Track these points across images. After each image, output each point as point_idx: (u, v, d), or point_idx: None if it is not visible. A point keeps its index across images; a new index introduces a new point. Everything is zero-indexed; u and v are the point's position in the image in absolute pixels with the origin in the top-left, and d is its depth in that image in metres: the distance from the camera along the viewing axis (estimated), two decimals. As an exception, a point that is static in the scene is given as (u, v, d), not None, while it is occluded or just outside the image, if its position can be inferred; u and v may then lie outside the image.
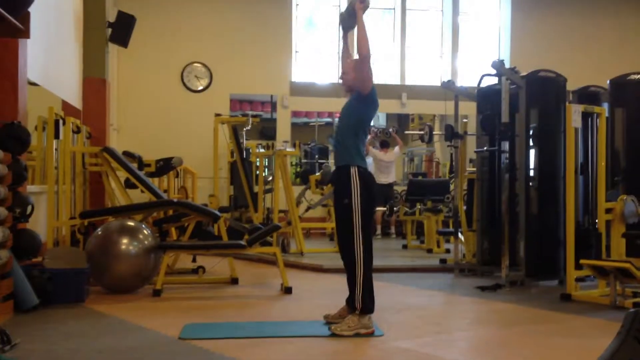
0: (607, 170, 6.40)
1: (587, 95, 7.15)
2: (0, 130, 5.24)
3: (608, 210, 5.86)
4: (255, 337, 4.30)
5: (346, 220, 4.46)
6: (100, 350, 3.95)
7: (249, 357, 3.77)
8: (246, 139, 10.73)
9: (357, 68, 4.59)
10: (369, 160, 11.95)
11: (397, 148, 11.67)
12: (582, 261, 5.67)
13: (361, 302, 4.40)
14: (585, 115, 6.28)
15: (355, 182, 4.45)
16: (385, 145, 11.63)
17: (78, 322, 4.75)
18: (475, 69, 13.07)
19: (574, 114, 5.89)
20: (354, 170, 4.47)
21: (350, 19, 4.73)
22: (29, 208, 5.32)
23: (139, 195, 7.41)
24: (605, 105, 6.83)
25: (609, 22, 13.93)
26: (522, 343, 4.31)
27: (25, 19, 4.79)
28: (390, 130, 11.97)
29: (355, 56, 4.67)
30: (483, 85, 7.35)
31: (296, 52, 13.23)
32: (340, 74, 4.80)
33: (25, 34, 4.96)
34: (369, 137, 11.79)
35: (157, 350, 3.98)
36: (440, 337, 4.47)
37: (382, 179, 11.25)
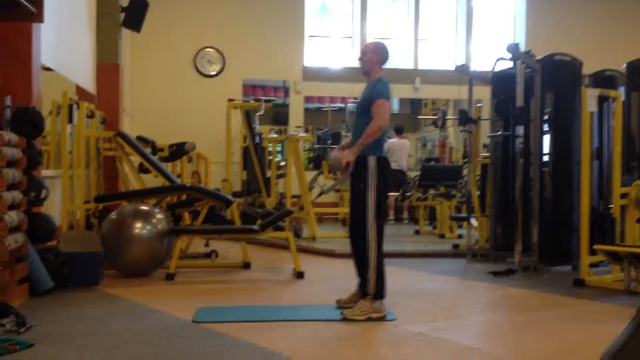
0: (623, 155, 6.33)
1: (603, 79, 7.07)
2: (15, 114, 5.27)
3: (623, 196, 5.81)
4: (268, 321, 4.32)
5: (361, 206, 4.47)
6: (115, 333, 3.98)
7: (262, 340, 3.79)
8: (259, 124, 10.73)
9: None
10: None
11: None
12: (596, 246, 5.64)
13: (375, 287, 4.40)
14: (601, 100, 6.21)
15: (373, 170, 4.46)
16: (399, 131, 11.59)
17: (92, 305, 4.80)
18: (490, 54, 12.98)
19: (590, 98, 5.83)
20: (372, 160, 4.47)
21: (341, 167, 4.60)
22: (44, 192, 5.36)
23: (152, 180, 7.45)
24: (622, 90, 6.75)
25: (626, 4, 13.75)
26: (535, 328, 4.30)
27: (38, 3, 4.80)
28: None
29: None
30: (497, 69, 7.29)
31: (309, 37, 13.17)
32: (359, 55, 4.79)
33: (39, 18, 4.97)
34: None
35: (170, 333, 4.01)
36: (453, 322, 4.47)
37: (395, 164, 11.22)
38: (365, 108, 4.59)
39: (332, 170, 4.58)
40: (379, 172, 4.46)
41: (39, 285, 5.02)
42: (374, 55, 4.63)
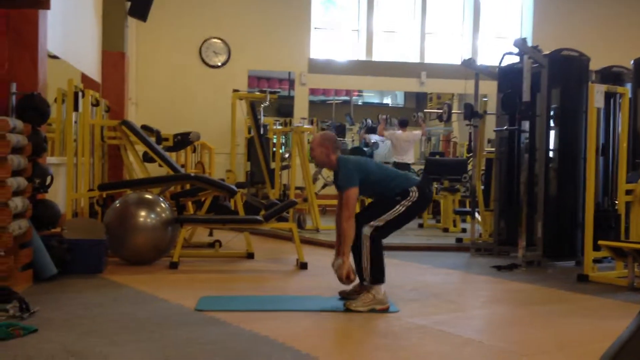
0: (629, 151, 6.31)
1: (611, 75, 7.03)
2: (21, 101, 5.28)
3: (628, 192, 5.79)
4: (271, 311, 4.33)
5: (382, 206, 4.50)
6: (117, 320, 3.99)
7: (264, 329, 3.79)
8: (264, 116, 10.72)
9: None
10: (388, 142, 11.90)
11: (418, 132, 11.61)
12: (600, 242, 5.63)
13: (370, 273, 4.41)
14: (608, 96, 6.19)
15: (415, 195, 4.50)
16: (403, 124, 11.57)
17: (96, 292, 4.80)
18: (496, 48, 12.94)
19: (597, 94, 5.81)
20: (413, 189, 4.52)
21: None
22: (48, 179, 5.37)
23: (156, 169, 7.44)
24: (629, 86, 6.72)
25: (634, 1, 13.67)
26: (538, 323, 4.30)
27: (45, -11, 4.79)
28: (419, 114, 11.93)
29: None
30: (504, 64, 7.26)
31: (315, 29, 13.14)
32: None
33: (46, 4, 4.97)
34: (379, 126, 11.77)
35: (173, 320, 4.02)
36: (456, 315, 4.47)
37: (400, 158, 11.22)
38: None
39: (338, 280, 4.62)
40: (419, 196, 4.51)
41: (42, 272, 5.04)
42: (323, 148, 4.63)
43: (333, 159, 4.64)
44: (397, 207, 4.48)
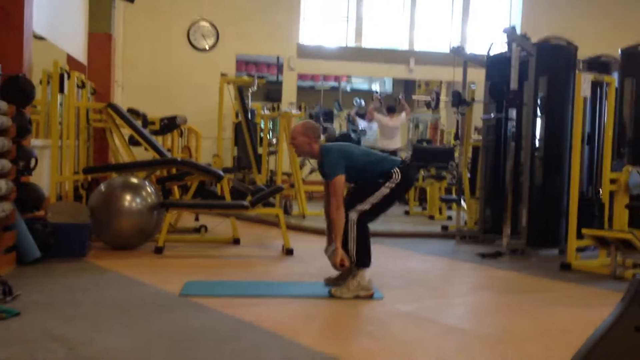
0: (614, 140, 6.34)
1: (598, 65, 7.05)
2: (5, 82, 5.21)
3: (613, 181, 5.83)
4: (255, 296, 4.33)
5: (366, 188, 4.49)
6: (101, 304, 3.98)
7: (248, 315, 3.80)
8: (251, 101, 10.66)
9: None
10: (374, 125, 11.91)
11: (403, 114, 11.60)
12: (584, 230, 5.67)
13: (355, 257, 4.41)
14: (595, 85, 6.21)
15: (397, 176, 4.50)
16: (391, 110, 11.55)
17: (79, 276, 4.79)
18: (485, 36, 12.93)
19: (584, 82, 5.82)
20: (395, 170, 4.51)
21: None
22: (33, 161, 5.32)
23: (142, 153, 7.39)
24: (616, 75, 6.75)
25: (623, -8, 13.71)
26: (521, 310, 4.33)
27: (31, -31, 4.73)
28: (400, 97, 11.91)
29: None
30: (493, 52, 7.26)
31: (305, 14, 13.06)
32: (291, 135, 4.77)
33: (31, -16, 4.90)
34: (373, 103, 11.75)
35: (157, 305, 4.01)
36: (440, 302, 4.49)
37: (387, 144, 11.22)
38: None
39: (332, 266, 4.61)
40: (402, 178, 4.51)
41: (26, 255, 5.01)
42: (305, 137, 4.61)
43: (315, 148, 4.63)
44: (381, 189, 4.48)
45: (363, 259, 4.44)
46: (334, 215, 4.42)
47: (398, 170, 4.52)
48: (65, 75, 6.59)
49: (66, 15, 7.95)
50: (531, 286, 5.17)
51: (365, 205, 4.45)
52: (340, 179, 4.45)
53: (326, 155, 4.57)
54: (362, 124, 12.25)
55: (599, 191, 6.27)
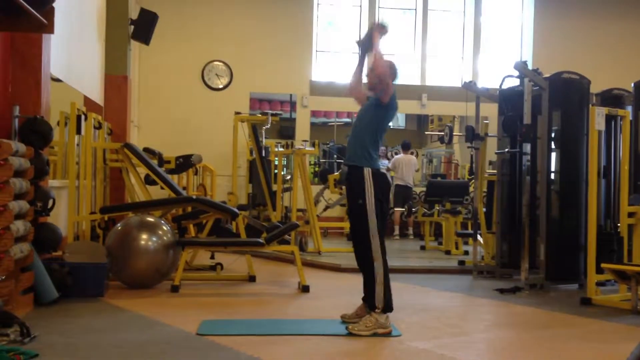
0: (630, 174, 6.31)
1: (611, 98, 7.06)
2: (24, 124, 5.30)
3: (631, 214, 5.78)
4: (272, 335, 4.30)
5: (361, 220, 4.47)
6: (119, 345, 3.97)
7: (265, 354, 3.77)
8: (265, 138, 10.74)
9: (378, 76, 4.60)
10: (385, 162, 11.94)
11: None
12: (603, 265, 5.61)
13: (383, 301, 4.38)
14: (609, 118, 6.21)
15: (369, 183, 4.47)
16: (406, 147, 11.60)
17: (97, 317, 4.78)
18: (497, 71, 12.98)
19: (598, 116, 5.82)
20: (367, 172, 4.49)
21: (370, 43, 4.70)
22: (50, 202, 5.37)
23: (158, 192, 7.44)
24: (629, 109, 6.74)
25: (634, 23, 13.76)
26: (541, 347, 4.27)
27: (49, 13, 4.81)
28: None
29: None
30: (505, 86, 7.29)
31: (316, 51, 13.21)
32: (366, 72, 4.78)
33: (50, 29, 4.99)
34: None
35: (175, 345, 3.99)
36: (459, 339, 4.44)
37: (400, 180, 11.24)
38: (368, 114, 4.61)
39: (360, 46, 4.67)
40: (375, 183, 4.47)
41: (43, 296, 5.01)
42: (391, 70, 4.64)
43: (390, 84, 4.58)
44: (369, 211, 4.42)
45: (390, 304, 4.42)
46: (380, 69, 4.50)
47: (370, 173, 4.48)
48: (82, 117, 6.68)
49: (83, 57, 8.10)
50: (552, 322, 5.10)
51: (373, 232, 4.42)
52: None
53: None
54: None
55: (617, 225, 6.22)
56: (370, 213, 4.43)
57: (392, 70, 4.65)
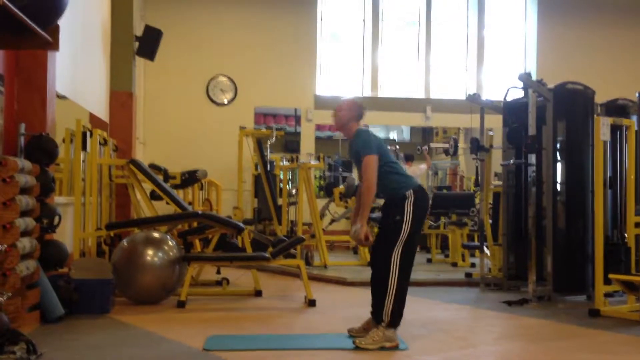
0: (637, 183, 6.29)
1: (616, 108, 7.03)
2: (29, 142, 5.33)
3: (637, 224, 5.76)
4: (279, 350, 4.29)
5: (393, 234, 4.40)
6: (125, 361, 3.96)
7: (273, 369, 3.76)
8: (270, 152, 10.76)
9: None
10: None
11: (424, 166, 11.63)
12: (611, 276, 5.58)
13: (390, 316, 4.36)
14: (614, 128, 6.20)
15: (410, 202, 4.42)
16: (409, 158, 11.59)
17: (103, 333, 4.78)
18: (501, 82, 13.00)
19: (603, 126, 5.81)
20: (409, 193, 4.44)
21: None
22: (56, 219, 5.38)
23: (164, 207, 7.45)
24: (634, 118, 6.73)
25: (638, 33, 13.77)
26: (550, 359, 4.24)
27: (54, 31, 4.85)
28: (424, 148, 11.95)
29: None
30: (509, 98, 7.29)
31: (321, 65, 13.26)
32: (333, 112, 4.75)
33: (55, 46, 5.02)
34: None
35: (181, 361, 3.98)
36: (466, 352, 4.41)
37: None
38: (359, 160, 4.56)
39: (357, 243, 4.59)
40: (415, 204, 4.42)
41: (50, 313, 5.01)
42: (349, 112, 4.63)
43: (353, 126, 4.59)
44: (403, 225, 4.38)
45: (397, 319, 4.38)
46: (364, 196, 4.38)
47: (412, 193, 4.44)
48: (88, 133, 6.71)
49: (88, 74, 8.15)
50: (560, 334, 5.07)
51: (399, 247, 4.38)
52: (373, 158, 4.40)
53: (362, 134, 4.54)
54: None
55: (624, 235, 6.19)
56: (404, 230, 4.37)
57: (354, 110, 4.65)
